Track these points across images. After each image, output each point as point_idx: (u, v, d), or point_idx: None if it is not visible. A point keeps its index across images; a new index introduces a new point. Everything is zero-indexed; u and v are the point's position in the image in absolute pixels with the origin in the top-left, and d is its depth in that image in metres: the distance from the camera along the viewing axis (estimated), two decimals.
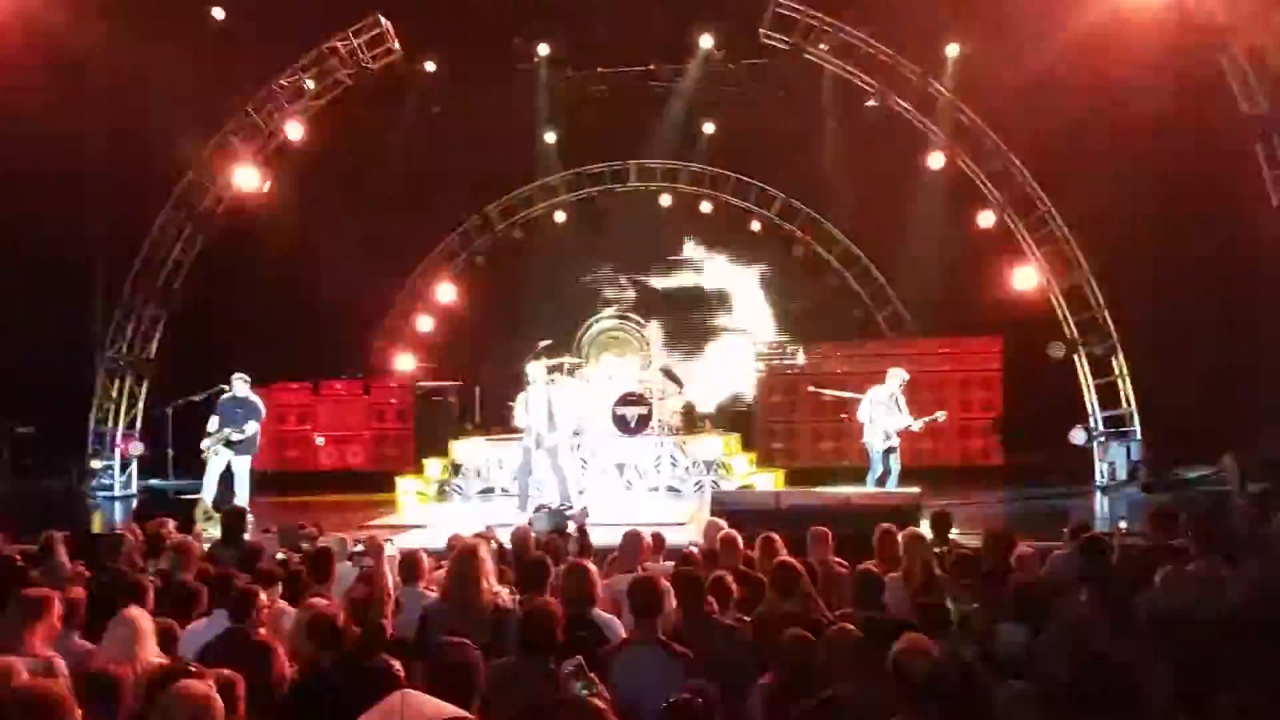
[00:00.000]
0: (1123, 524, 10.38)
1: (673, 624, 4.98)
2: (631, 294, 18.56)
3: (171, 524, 8.56)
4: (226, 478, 12.26)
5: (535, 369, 13.00)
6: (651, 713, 3.88)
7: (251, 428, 12.37)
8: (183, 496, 12.23)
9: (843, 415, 14.06)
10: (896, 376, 12.60)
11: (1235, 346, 13.19)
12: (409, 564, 6.31)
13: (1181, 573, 5.34)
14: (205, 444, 12.23)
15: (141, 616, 4.64)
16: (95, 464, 16.25)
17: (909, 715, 3.49)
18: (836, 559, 6.88)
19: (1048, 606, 5.20)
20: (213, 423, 12.30)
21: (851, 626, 4.29)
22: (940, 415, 12.86)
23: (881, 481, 12.25)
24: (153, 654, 4.51)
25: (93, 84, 13.79)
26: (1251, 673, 3.67)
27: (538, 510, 10.38)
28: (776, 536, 6.82)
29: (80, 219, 14.69)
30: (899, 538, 6.74)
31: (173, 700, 3.18)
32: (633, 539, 6.84)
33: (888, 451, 12.31)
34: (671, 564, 6.59)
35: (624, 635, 4.94)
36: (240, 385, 12.47)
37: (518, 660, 4.33)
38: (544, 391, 12.70)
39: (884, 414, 12.32)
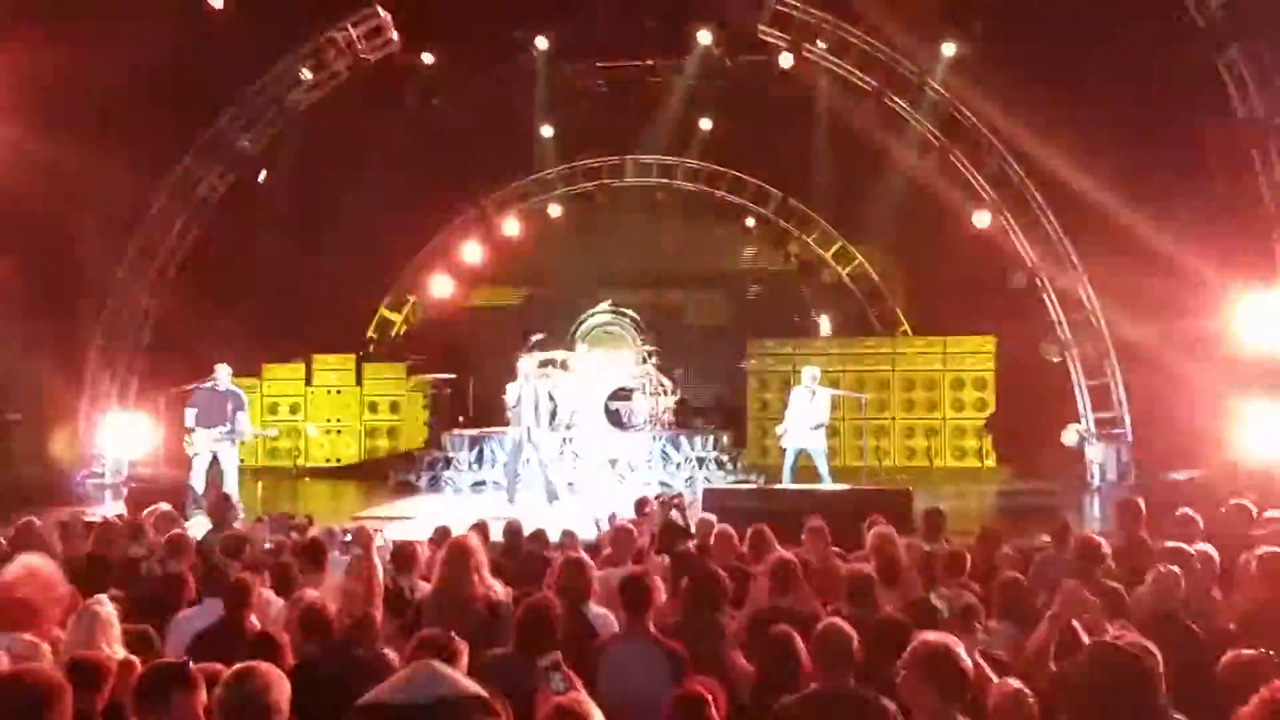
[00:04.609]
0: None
1: (671, 620, 4.96)
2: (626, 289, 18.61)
3: (164, 507, 8.48)
4: (213, 468, 12.25)
5: (526, 363, 12.97)
6: (639, 708, 3.87)
7: (242, 420, 12.36)
8: (172, 486, 12.18)
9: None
10: (808, 374, 13.20)
11: (1225, 350, 13.20)
12: (403, 555, 6.29)
13: (1172, 573, 5.34)
14: (195, 442, 12.15)
15: (104, 608, 4.57)
16: (86, 451, 16.18)
17: (931, 706, 3.47)
18: (836, 550, 6.89)
19: (1035, 604, 5.22)
20: (189, 416, 12.16)
21: (843, 622, 4.28)
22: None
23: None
24: (115, 645, 4.43)
25: (86, 64, 13.68)
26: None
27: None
28: (767, 529, 6.81)
29: (74, 203, 14.60)
30: (868, 535, 6.74)
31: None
32: (625, 534, 6.84)
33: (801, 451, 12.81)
34: (666, 559, 6.59)
35: (616, 630, 4.93)
36: (224, 376, 12.44)
37: (513, 654, 4.31)
38: (534, 385, 12.68)
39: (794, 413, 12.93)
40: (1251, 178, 11.92)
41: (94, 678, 3.75)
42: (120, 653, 4.30)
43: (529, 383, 12.80)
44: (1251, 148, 11.93)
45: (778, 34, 15.36)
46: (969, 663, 3.50)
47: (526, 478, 13.13)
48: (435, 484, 14.90)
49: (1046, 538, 7.49)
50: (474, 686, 1.67)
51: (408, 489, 14.84)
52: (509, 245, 19.88)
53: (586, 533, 8.27)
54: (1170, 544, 6.36)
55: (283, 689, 3.19)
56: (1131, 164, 12.53)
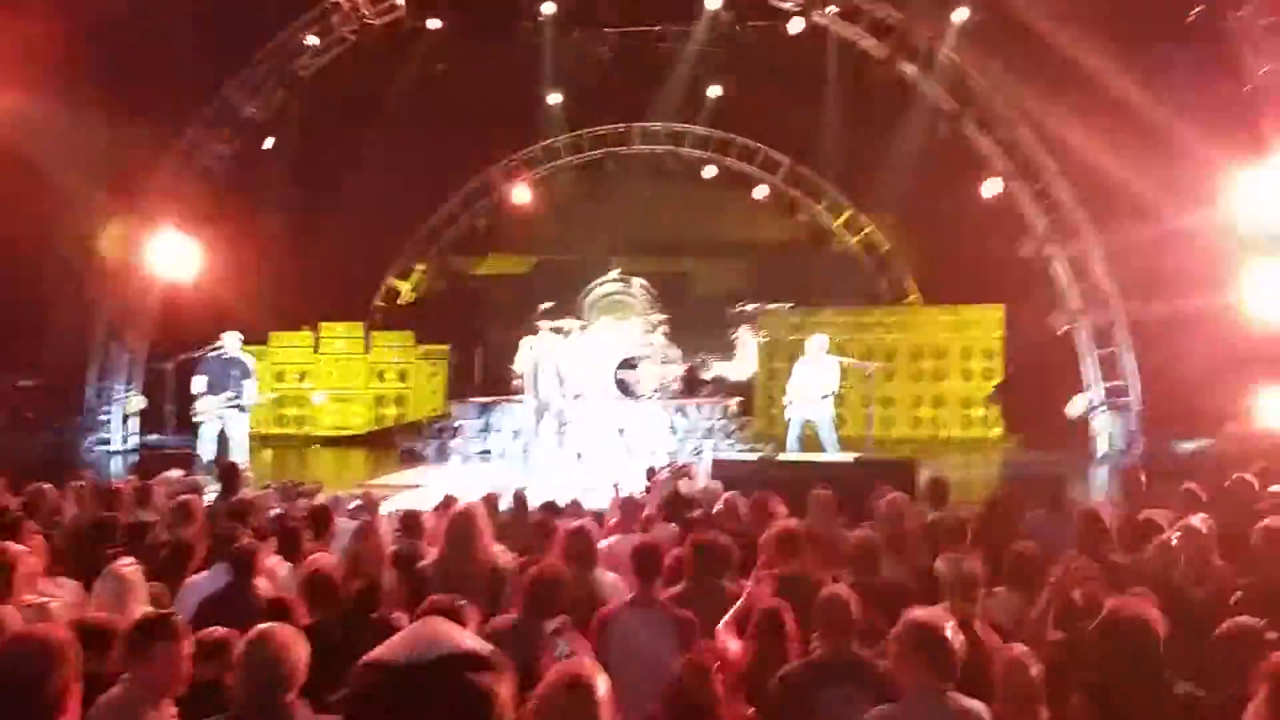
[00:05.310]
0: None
1: (680, 588, 4.98)
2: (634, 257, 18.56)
3: (178, 474, 8.53)
4: (223, 435, 12.26)
5: (541, 333, 12.96)
6: (647, 675, 3.88)
7: (250, 387, 12.35)
8: (182, 453, 12.22)
9: None
10: (815, 343, 12.77)
11: (1237, 320, 13.12)
12: (409, 522, 6.33)
13: (1172, 543, 5.34)
14: (201, 409, 12.12)
15: (131, 570, 4.63)
16: (95, 418, 16.26)
17: (921, 681, 3.49)
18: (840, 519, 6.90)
19: (1040, 572, 5.21)
20: (198, 383, 12.12)
21: (844, 589, 4.29)
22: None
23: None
24: (142, 603, 4.50)
25: (93, 38, 13.62)
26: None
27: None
28: (771, 496, 6.81)
29: (82, 173, 14.58)
30: (880, 504, 6.74)
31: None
32: (630, 503, 6.86)
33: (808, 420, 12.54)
34: (675, 526, 6.62)
35: (623, 597, 4.95)
36: (233, 343, 12.38)
37: (520, 619, 4.33)
38: (550, 356, 12.68)
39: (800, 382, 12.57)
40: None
41: (103, 639, 3.79)
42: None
43: (538, 352, 12.80)
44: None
45: None
46: (958, 638, 3.50)
47: (535, 446, 13.17)
48: (443, 453, 14.96)
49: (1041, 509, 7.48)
50: (478, 643, 1.67)
51: (415, 458, 14.89)
52: (516, 213, 19.82)
53: (600, 501, 8.28)
54: (1171, 515, 6.38)
55: (301, 650, 3.25)
56: (1142, 128, 12.42)
